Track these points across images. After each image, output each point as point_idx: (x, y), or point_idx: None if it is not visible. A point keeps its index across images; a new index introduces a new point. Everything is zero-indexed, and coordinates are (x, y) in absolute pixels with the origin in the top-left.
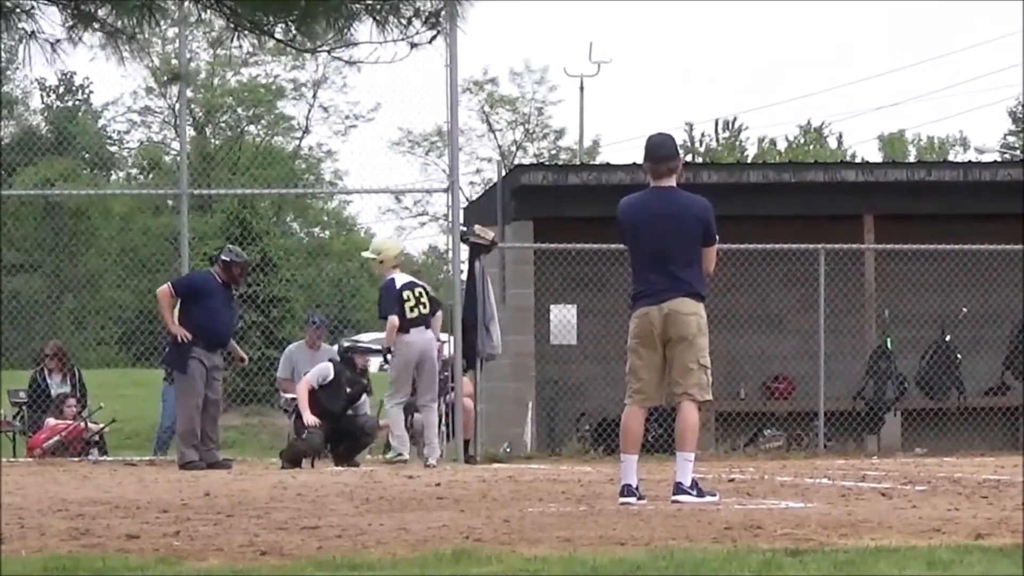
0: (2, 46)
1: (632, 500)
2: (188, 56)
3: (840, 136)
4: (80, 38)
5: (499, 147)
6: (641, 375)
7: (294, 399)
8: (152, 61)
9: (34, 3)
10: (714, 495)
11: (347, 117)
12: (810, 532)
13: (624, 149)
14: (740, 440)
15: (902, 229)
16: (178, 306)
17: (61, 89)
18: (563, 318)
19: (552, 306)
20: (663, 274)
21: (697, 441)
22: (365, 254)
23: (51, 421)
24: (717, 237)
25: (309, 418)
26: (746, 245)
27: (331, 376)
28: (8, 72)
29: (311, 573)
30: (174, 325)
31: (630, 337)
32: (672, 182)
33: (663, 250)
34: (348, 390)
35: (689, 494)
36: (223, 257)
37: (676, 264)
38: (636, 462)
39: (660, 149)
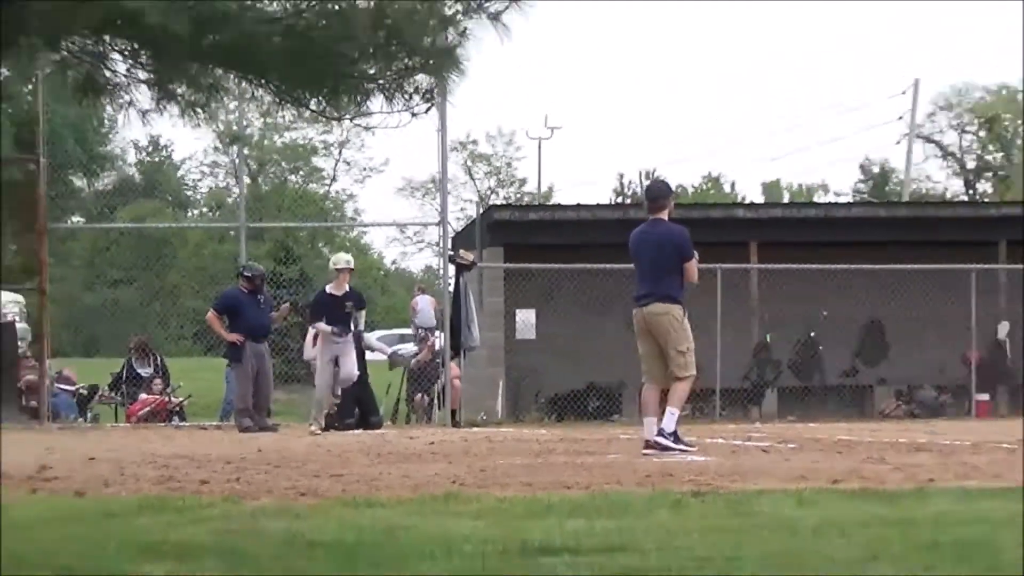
0: (105, 116)
1: (654, 451)
2: (244, 123)
3: (733, 183)
4: (164, 109)
5: (478, 191)
6: (647, 361)
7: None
8: (218, 126)
9: (130, 82)
10: (693, 448)
11: (364, 169)
12: (709, 479)
13: (572, 193)
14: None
15: (778, 253)
16: (226, 320)
17: (150, 148)
18: (525, 319)
19: (517, 310)
20: (646, 284)
21: (683, 403)
22: (346, 265)
23: (143, 396)
24: (695, 255)
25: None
26: None
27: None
28: (110, 135)
29: (337, 509)
30: (228, 335)
31: (635, 332)
32: (663, 215)
33: (647, 267)
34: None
35: (665, 438)
36: (244, 273)
37: (655, 276)
38: (655, 423)
39: (650, 192)
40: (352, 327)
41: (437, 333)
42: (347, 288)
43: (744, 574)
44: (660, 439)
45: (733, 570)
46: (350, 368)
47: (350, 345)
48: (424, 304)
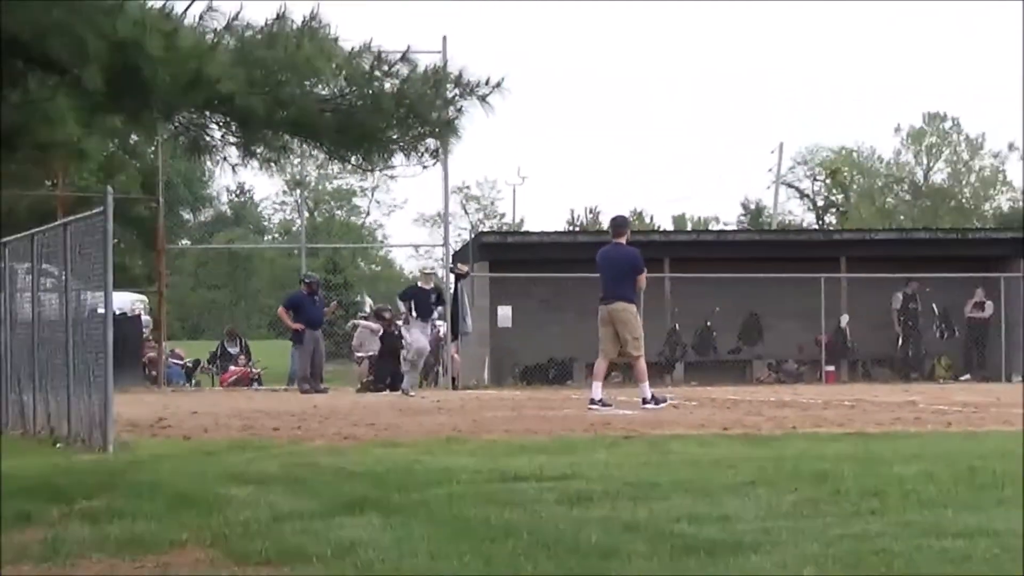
0: (206, 168)
1: (598, 407)
2: (305, 173)
3: (651, 216)
4: (247, 163)
5: (471, 222)
6: (604, 342)
7: (361, 356)
8: (286, 175)
9: (223, 144)
10: (665, 400)
11: (390, 206)
12: (636, 427)
13: (538, 223)
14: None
15: (684, 265)
16: (291, 313)
17: (238, 191)
18: (504, 313)
19: (499, 306)
20: (609, 288)
21: (646, 375)
22: (431, 271)
23: (232, 368)
24: (644, 269)
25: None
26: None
27: (381, 332)
28: (210, 182)
29: (371, 448)
30: (292, 324)
31: (598, 321)
32: (622, 240)
33: (609, 276)
34: (395, 334)
35: (648, 402)
36: (305, 280)
37: (615, 283)
38: (600, 386)
39: (613, 223)
40: (433, 315)
41: (440, 323)
42: (431, 285)
43: (660, 495)
44: (646, 406)
45: (653, 492)
46: (422, 344)
47: (428, 328)
48: None
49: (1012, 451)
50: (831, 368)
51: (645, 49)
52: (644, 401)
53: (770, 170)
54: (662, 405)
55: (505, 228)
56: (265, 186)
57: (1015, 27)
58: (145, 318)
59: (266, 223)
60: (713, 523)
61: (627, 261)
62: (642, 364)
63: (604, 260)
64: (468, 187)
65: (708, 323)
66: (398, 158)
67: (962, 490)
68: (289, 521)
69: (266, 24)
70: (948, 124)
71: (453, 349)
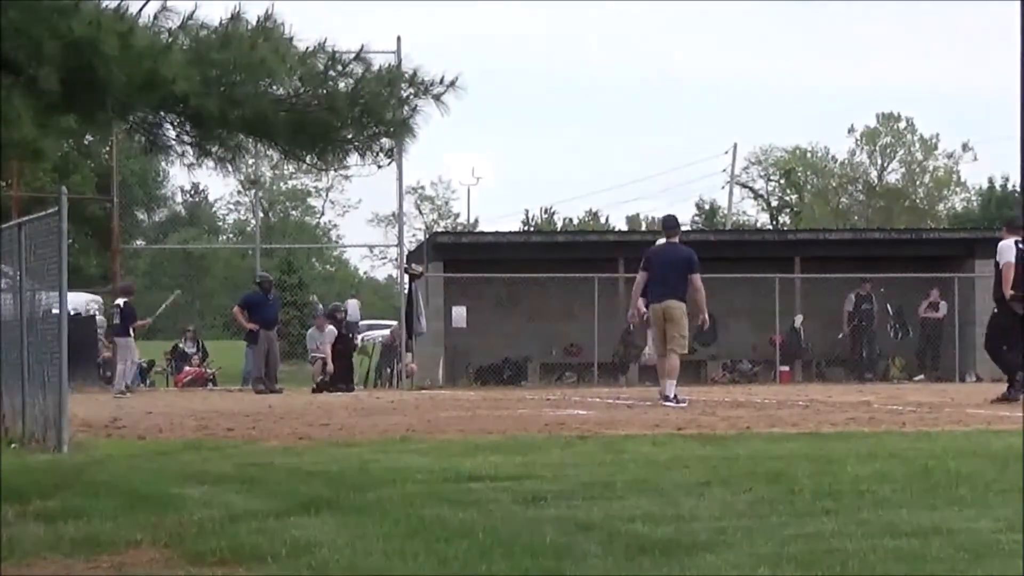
0: (161, 168)
1: (672, 404)
2: (259, 173)
3: (607, 217)
4: (202, 163)
5: (425, 222)
6: (660, 340)
7: (315, 357)
8: (240, 175)
9: (178, 144)
10: (684, 402)
11: (344, 206)
12: (591, 427)
13: (492, 223)
14: (552, 378)
15: (639, 265)
16: (245, 312)
17: (192, 191)
18: (458, 313)
19: (453, 307)
20: (663, 287)
21: (676, 374)
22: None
23: (187, 368)
24: (698, 268)
25: (331, 365)
26: (555, 275)
27: (336, 334)
28: (164, 182)
29: (326, 448)
30: (247, 323)
31: (651, 320)
32: (676, 239)
33: (663, 275)
34: (349, 336)
35: (670, 400)
36: (256, 280)
37: (669, 283)
38: (673, 384)
39: (665, 223)
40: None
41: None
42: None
43: (615, 494)
44: (666, 403)
45: (607, 492)
46: None
47: None
48: (352, 306)
49: (966, 450)
50: (785, 368)
51: (600, 50)
52: (666, 399)
53: (724, 170)
54: (683, 404)
55: (459, 228)
56: (219, 186)
57: (970, 27)
58: (100, 318)
59: (220, 223)
60: (668, 523)
61: (684, 260)
62: (677, 362)
63: (658, 259)
64: (423, 187)
65: None
66: (353, 158)
67: (916, 490)
68: (244, 521)
69: (221, 24)
70: (902, 124)
71: (408, 359)
